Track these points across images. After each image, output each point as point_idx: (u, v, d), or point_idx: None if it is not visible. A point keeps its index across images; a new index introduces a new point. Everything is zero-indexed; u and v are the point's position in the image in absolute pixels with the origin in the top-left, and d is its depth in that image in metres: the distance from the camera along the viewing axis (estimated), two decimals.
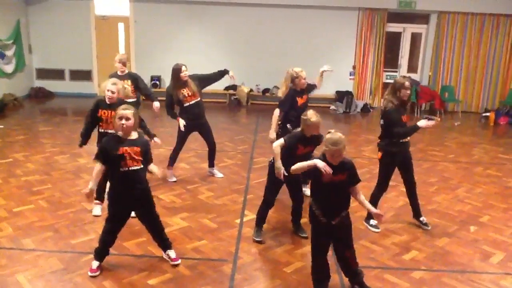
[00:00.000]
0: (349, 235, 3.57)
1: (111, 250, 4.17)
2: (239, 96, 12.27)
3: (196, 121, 5.88)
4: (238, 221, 4.95)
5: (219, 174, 6.30)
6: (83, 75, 12.52)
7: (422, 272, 4.04)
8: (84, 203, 5.17)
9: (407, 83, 4.54)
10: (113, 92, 4.57)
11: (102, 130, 4.67)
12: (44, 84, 12.48)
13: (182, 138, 5.93)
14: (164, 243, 4.01)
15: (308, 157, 4.02)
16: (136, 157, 3.62)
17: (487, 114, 11.46)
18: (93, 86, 12.53)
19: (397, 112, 4.57)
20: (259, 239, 4.45)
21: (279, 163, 4.16)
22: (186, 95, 5.75)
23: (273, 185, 4.42)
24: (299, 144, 4.17)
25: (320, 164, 3.24)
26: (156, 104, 5.94)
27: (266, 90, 12.45)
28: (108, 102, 4.61)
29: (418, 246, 4.51)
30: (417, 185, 4.91)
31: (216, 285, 3.71)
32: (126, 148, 3.59)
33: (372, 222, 4.79)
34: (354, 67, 12.42)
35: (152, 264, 3.96)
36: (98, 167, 3.65)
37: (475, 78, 12.25)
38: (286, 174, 4.10)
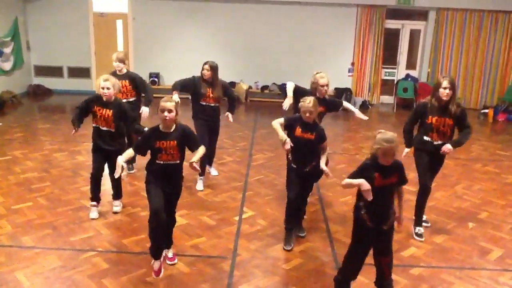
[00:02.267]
0: (391, 241, 3.35)
1: (110, 247, 4.19)
2: (238, 93, 12.24)
3: (210, 120, 5.68)
4: (237, 218, 4.95)
5: (214, 172, 6.29)
6: (82, 72, 12.50)
7: (421, 268, 4.05)
8: (83, 201, 5.17)
9: (445, 82, 4.32)
10: (108, 88, 4.50)
11: (95, 125, 4.66)
12: (43, 82, 12.46)
13: (201, 136, 5.41)
14: (168, 241, 3.99)
15: (306, 142, 4.13)
16: (172, 152, 3.64)
17: (486, 110, 11.47)
18: (91, 83, 12.48)
19: (424, 107, 4.49)
20: (286, 248, 4.28)
21: (281, 134, 4.19)
22: (208, 94, 5.57)
23: (290, 182, 4.32)
24: (298, 126, 4.16)
25: (364, 187, 3.10)
26: (144, 110, 5.73)
27: (265, 87, 12.44)
28: (105, 100, 4.56)
29: (416, 243, 4.52)
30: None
31: (215, 282, 3.72)
32: (163, 141, 3.61)
33: (418, 230, 4.64)
34: (352, 64, 12.41)
35: (151, 262, 3.95)
36: (130, 151, 3.76)
37: (474, 75, 12.25)
38: (292, 145, 4.14)
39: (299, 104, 4.16)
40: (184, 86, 5.56)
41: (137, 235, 4.43)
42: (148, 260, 3.97)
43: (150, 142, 3.65)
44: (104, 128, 4.62)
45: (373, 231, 3.22)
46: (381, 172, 3.15)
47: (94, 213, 4.83)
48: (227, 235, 4.54)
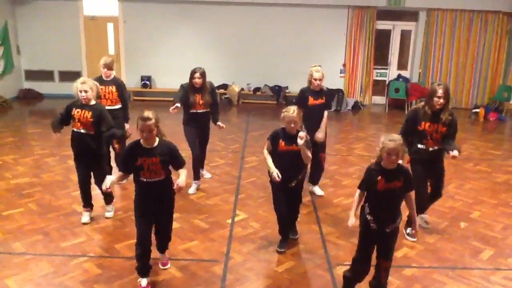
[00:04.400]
0: (393, 246, 3.37)
1: (102, 252, 4.16)
2: (230, 95, 12.25)
3: (199, 126, 5.72)
4: (229, 221, 4.94)
5: (207, 175, 6.28)
6: (73, 76, 12.28)
7: (414, 269, 4.06)
8: (74, 206, 5.14)
9: (440, 91, 4.28)
10: (86, 91, 4.41)
11: (75, 129, 4.53)
12: (33, 86, 12.38)
13: (192, 142, 5.69)
14: (164, 246, 3.91)
15: (292, 155, 3.97)
16: (154, 169, 3.46)
17: (477, 110, 11.54)
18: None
19: (415, 114, 4.46)
20: (279, 250, 4.28)
21: (270, 164, 4.04)
22: (197, 101, 5.55)
23: (276, 200, 4.21)
24: (281, 139, 4.00)
25: (350, 222, 3.33)
26: (127, 127, 5.63)
27: (257, 89, 12.44)
28: (84, 103, 4.47)
29: (409, 243, 4.53)
30: None
31: (208, 286, 3.71)
32: (145, 158, 3.43)
33: (409, 231, 4.62)
34: (344, 65, 12.44)
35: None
36: (112, 178, 3.70)
37: (465, 75, 12.32)
38: (279, 176, 3.98)
39: (282, 115, 3.99)
40: (182, 98, 5.53)
41: (129, 239, 4.40)
42: None
43: (132, 158, 3.45)
44: (83, 131, 4.48)
45: (376, 232, 3.26)
46: (384, 175, 3.17)
47: (85, 218, 4.79)
48: (220, 238, 4.53)
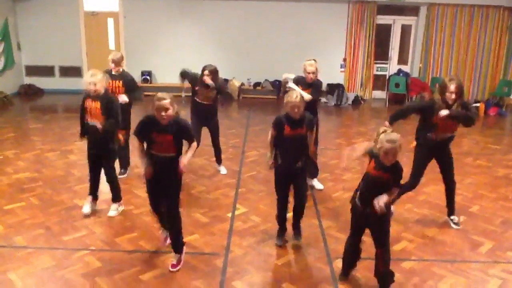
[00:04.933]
0: (382, 232, 3.47)
1: (103, 246, 4.19)
2: (230, 90, 12.25)
3: (203, 116, 5.86)
4: (230, 215, 4.96)
5: (223, 171, 6.30)
6: (73, 71, 12.43)
7: (413, 262, 4.08)
8: (76, 200, 5.17)
9: (452, 86, 4.30)
10: (95, 84, 4.46)
11: (88, 121, 4.60)
12: (34, 81, 12.39)
13: (195, 131, 5.64)
14: (175, 244, 3.94)
15: (298, 138, 4.03)
16: (167, 146, 3.65)
17: (477, 105, 11.52)
18: (83, 82, 12.43)
19: (431, 106, 4.47)
20: (277, 243, 4.32)
21: (269, 154, 4.14)
22: (202, 93, 5.74)
23: (278, 183, 4.25)
24: (286, 125, 4.00)
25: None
26: (123, 97, 5.53)
27: (257, 84, 12.44)
28: (93, 95, 4.52)
29: (408, 236, 4.55)
30: (407, 177, 4.76)
31: (208, 279, 3.73)
32: (159, 134, 3.62)
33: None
34: (344, 60, 12.43)
35: (144, 260, 3.97)
36: (136, 145, 3.82)
37: (465, 70, 12.32)
38: (276, 161, 4.11)
39: (285, 101, 4.01)
40: (190, 78, 5.83)
41: (130, 233, 4.44)
42: (141, 258, 3.99)
43: (148, 129, 3.64)
44: (94, 123, 4.53)
45: (362, 213, 3.46)
46: (377, 163, 3.31)
47: (86, 208, 4.81)
48: (220, 232, 4.55)
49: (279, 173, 4.20)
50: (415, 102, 4.73)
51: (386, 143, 3.17)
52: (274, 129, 4.10)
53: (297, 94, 3.99)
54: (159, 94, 3.60)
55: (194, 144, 3.82)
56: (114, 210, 4.88)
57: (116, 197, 4.93)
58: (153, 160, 3.70)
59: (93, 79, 4.47)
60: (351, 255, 3.70)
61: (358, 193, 3.52)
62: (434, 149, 4.60)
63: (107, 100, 4.56)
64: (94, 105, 4.52)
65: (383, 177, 3.31)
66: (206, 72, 5.64)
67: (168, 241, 4.04)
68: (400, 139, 3.21)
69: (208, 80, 5.63)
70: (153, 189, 3.88)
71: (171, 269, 3.82)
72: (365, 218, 3.48)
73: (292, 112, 3.96)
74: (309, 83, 5.30)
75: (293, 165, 4.10)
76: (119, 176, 5.42)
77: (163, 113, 3.54)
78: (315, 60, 5.30)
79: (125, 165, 5.97)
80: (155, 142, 3.64)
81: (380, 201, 3.30)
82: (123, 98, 5.51)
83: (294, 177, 4.17)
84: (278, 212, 4.33)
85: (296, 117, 3.98)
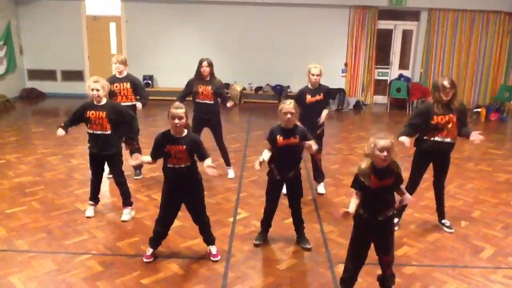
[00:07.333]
0: (390, 239, 3.40)
1: (104, 250, 4.20)
2: (231, 94, 12.26)
3: (205, 117, 5.91)
4: (231, 219, 4.96)
5: (231, 174, 6.31)
6: (75, 75, 12.46)
7: (414, 267, 4.08)
8: (77, 204, 5.18)
9: (446, 83, 4.30)
10: (98, 90, 4.49)
11: (91, 131, 4.61)
12: (36, 85, 12.43)
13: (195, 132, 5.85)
14: (209, 238, 4.13)
15: (291, 148, 4.04)
16: (181, 156, 3.78)
17: (478, 110, 11.55)
18: (85, 86, 12.44)
19: (427, 108, 4.49)
20: (255, 242, 4.39)
21: (262, 156, 4.06)
22: (201, 92, 5.82)
23: (269, 190, 4.30)
24: (279, 135, 4.02)
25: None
26: (138, 105, 5.82)
27: (258, 88, 12.46)
28: (95, 103, 4.55)
29: (409, 242, 4.55)
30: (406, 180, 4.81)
31: (209, 284, 3.73)
32: (173, 146, 3.76)
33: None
34: (346, 65, 12.45)
35: (145, 264, 3.98)
36: (148, 158, 3.99)
37: (466, 75, 12.32)
38: (271, 174, 4.14)
39: (279, 108, 4.04)
40: (185, 96, 5.92)
41: (132, 237, 4.44)
42: (142, 262, 3.99)
43: (162, 145, 3.79)
44: (99, 132, 4.58)
45: (369, 224, 3.30)
46: (376, 174, 3.20)
47: (89, 211, 4.86)
48: (222, 236, 4.55)
49: (272, 182, 4.25)
50: (412, 113, 4.69)
51: (378, 152, 3.11)
52: (268, 141, 4.13)
53: (291, 101, 4.02)
54: (176, 104, 3.81)
55: (209, 159, 3.91)
56: (127, 214, 4.88)
57: (127, 202, 4.91)
58: (172, 173, 3.84)
59: (97, 85, 4.50)
60: (351, 282, 3.49)
61: (361, 207, 3.31)
62: (436, 154, 4.59)
63: (113, 108, 4.60)
64: (99, 115, 4.53)
65: (389, 183, 3.26)
66: (205, 63, 5.73)
67: (151, 259, 4.03)
68: (390, 144, 3.13)
69: (206, 71, 5.75)
70: (171, 202, 3.97)
71: (215, 259, 4.06)
72: (371, 227, 3.32)
73: (285, 118, 3.98)
74: (315, 89, 5.37)
75: (286, 174, 4.15)
76: (135, 177, 5.85)
77: (177, 121, 3.71)
78: (318, 64, 5.43)
79: (139, 166, 5.96)
80: (170, 155, 3.77)
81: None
82: (139, 107, 5.80)
83: (287, 187, 4.26)
84: (264, 217, 4.42)
85: (288, 126, 4.02)
